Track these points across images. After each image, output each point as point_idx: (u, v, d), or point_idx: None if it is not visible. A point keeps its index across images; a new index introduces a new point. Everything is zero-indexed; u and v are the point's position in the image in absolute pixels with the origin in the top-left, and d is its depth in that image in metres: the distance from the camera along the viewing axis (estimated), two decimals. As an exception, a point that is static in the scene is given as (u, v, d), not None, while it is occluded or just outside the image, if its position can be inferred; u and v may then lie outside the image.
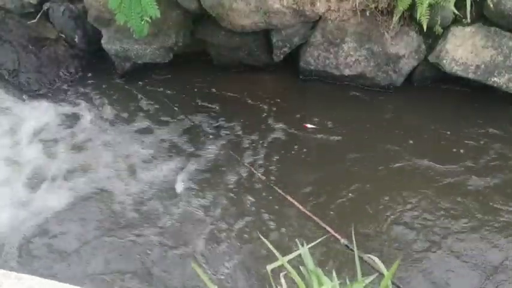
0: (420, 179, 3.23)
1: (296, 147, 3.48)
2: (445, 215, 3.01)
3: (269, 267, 1.39)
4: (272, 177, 3.22)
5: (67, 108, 3.86)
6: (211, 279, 1.27)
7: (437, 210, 3.04)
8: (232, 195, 3.13)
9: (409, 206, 3.05)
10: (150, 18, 3.01)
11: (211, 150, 3.47)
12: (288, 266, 1.39)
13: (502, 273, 2.68)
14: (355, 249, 1.51)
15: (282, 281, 1.36)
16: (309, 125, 3.53)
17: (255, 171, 2.92)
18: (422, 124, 3.65)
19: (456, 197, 3.11)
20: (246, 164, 3.21)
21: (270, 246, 1.40)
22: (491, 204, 3.06)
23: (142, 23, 2.83)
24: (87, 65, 4.22)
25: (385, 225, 2.90)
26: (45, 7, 4.17)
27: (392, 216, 2.97)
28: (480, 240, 2.87)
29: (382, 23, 3.66)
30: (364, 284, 1.39)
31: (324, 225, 1.65)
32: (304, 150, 3.45)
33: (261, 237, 1.57)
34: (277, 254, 1.39)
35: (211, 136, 3.57)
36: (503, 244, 2.83)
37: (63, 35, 4.22)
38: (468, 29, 3.62)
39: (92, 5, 3.87)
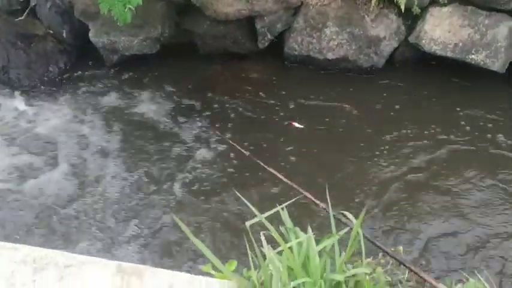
0: (400, 159, 3.36)
1: (281, 129, 3.58)
2: (418, 189, 3.17)
3: (248, 223, 1.50)
4: (255, 152, 3.29)
5: (58, 103, 3.93)
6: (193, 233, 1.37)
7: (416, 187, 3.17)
8: (215, 166, 3.33)
9: (390, 185, 3.19)
10: (135, 8, 3.08)
11: (196, 129, 3.61)
12: (266, 222, 1.49)
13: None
14: (329, 208, 1.62)
15: (262, 238, 1.46)
16: (296, 124, 3.58)
17: (237, 146, 3.01)
18: (403, 105, 3.75)
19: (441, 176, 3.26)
20: (228, 140, 3.34)
21: (249, 205, 1.50)
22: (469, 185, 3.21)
23: (126, 10, 2.91)
24: (76, 59, 4.28)
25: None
26: (32, 3, 4.23)
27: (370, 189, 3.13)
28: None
29: (362, 6, 3.76)
30: (337, 237, 1.50)
31: (302, 191, 1.76)
32: (287, 131, 3.58)
33: (241, 196, 1.66)
34: (255, 211, 1.49)
35: (197, 119, 3.68)
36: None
37: (51, 31, 4.26)
38: (445, 9, 3.72)
39: (77, -1, 3.94)
